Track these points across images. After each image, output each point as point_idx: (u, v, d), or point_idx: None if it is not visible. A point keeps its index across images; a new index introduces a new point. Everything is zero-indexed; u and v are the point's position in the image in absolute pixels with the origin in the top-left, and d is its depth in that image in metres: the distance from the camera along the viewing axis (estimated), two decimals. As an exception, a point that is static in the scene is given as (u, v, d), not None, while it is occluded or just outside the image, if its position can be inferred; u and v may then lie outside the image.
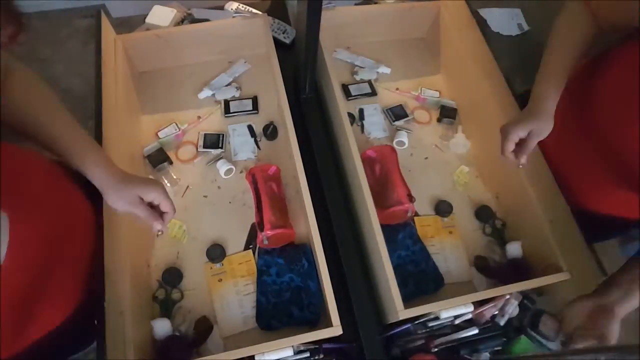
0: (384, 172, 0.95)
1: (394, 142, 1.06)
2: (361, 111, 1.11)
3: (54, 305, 0.67)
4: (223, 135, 1.04)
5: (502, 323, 0.80)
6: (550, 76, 0.77)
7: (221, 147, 1.02)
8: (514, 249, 0.92)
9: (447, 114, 1.11)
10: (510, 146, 0.77)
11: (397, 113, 1.11)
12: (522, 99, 0.85)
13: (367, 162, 0.97)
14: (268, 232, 0.85)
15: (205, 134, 1.03)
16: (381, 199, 0.91)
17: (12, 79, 0.62)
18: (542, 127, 0.76)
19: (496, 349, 0.82)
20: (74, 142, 0.63)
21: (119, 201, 0.63)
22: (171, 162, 0.99)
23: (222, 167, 0.98)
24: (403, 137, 1.05)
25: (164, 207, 0.68)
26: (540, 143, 0.78)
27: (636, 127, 0.68)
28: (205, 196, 0.97)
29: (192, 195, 0.97)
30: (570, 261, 0.81)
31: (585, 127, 0.81)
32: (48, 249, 0.62)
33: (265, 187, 0.90)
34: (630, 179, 0.74)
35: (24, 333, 0.62)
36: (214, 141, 1.03)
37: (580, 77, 0.84)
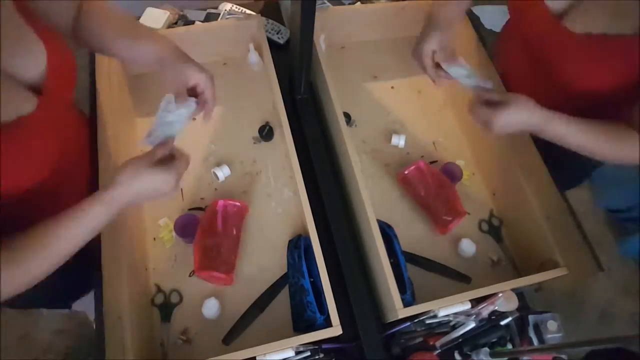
0: (437, 184, 0.95)
1: (391, 143, 1.06)
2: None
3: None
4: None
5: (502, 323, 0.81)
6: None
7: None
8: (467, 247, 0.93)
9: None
10: (429, 61, 0.83)
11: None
12: None
13: (417, 176, 0.97)
14: (196, 272, 0.84)
15: None
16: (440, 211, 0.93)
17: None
18: (444, 35, 0.82)
19: (492, 340, 0.82)
20: (159, 43, 0.70)
21: (174, 73, 0.69)
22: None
23: (220, 172, 0.97)
24: (401, 140, 1.05)
25: (208, 93, 0.71)
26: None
27: None
28: (202, 198, 0.97)
29: (190, 197, 0.97)
30: (567, 257, 0.82)
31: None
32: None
33: (206, 224, 0.87)
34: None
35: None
36: None
37: None
